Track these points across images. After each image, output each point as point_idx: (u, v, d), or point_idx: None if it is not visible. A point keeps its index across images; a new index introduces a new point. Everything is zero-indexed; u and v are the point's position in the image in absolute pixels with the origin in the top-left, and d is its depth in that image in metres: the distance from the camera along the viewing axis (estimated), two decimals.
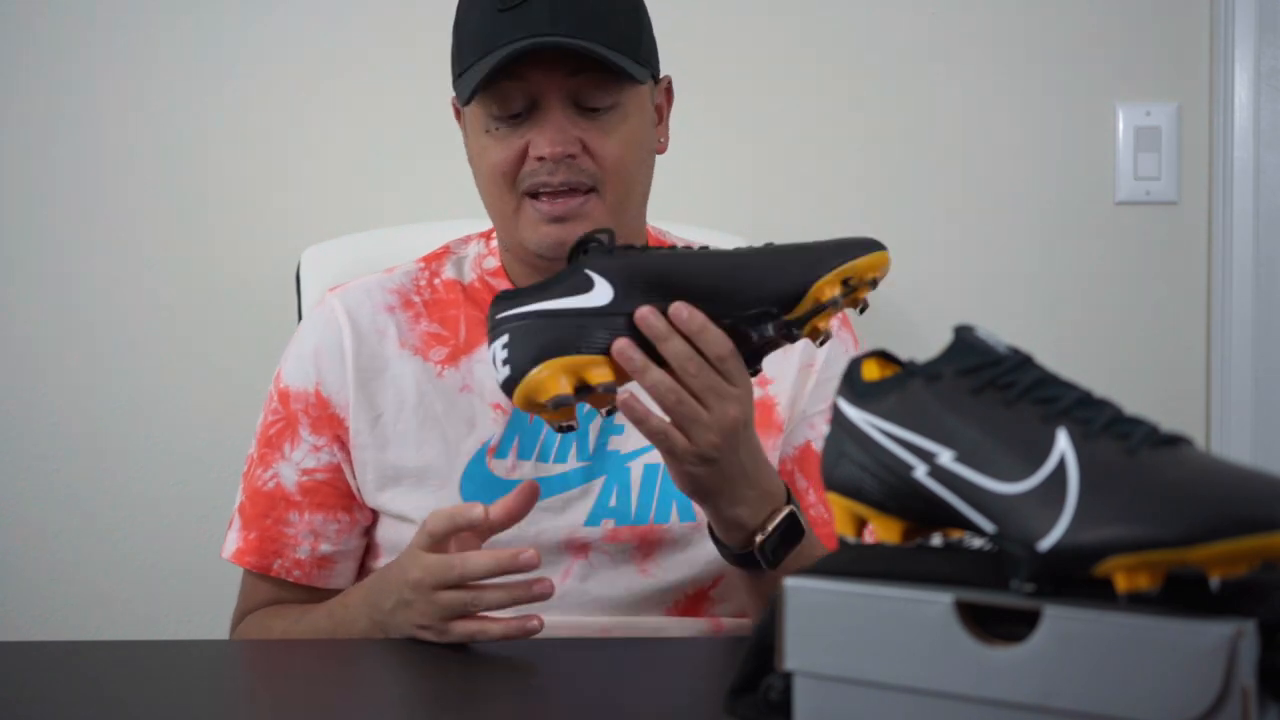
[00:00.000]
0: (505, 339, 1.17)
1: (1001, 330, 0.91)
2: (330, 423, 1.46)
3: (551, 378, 1.16)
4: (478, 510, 1.20)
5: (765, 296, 1.17)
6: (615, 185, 1.40)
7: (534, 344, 1.17)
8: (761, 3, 2.15)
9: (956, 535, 0.86)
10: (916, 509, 0.84)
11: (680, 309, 1.17)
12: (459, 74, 1.40)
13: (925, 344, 0.96)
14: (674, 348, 1.17)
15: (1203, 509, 0.73)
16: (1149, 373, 2.16)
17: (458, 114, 1.47)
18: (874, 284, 1.20)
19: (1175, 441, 0.78)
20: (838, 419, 0.88)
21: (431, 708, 1.07)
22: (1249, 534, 0.72)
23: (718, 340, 1.18)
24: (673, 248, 1.22)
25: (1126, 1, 2.14)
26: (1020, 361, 0.83)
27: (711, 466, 1.20)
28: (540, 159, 1.36)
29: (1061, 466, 0.78)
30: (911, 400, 0.84)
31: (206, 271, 2.16)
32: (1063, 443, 0.78)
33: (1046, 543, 0.77)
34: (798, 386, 1.48)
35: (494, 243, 1.51)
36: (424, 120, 2.12)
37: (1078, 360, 2.05)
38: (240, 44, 2.15)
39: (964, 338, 0.85)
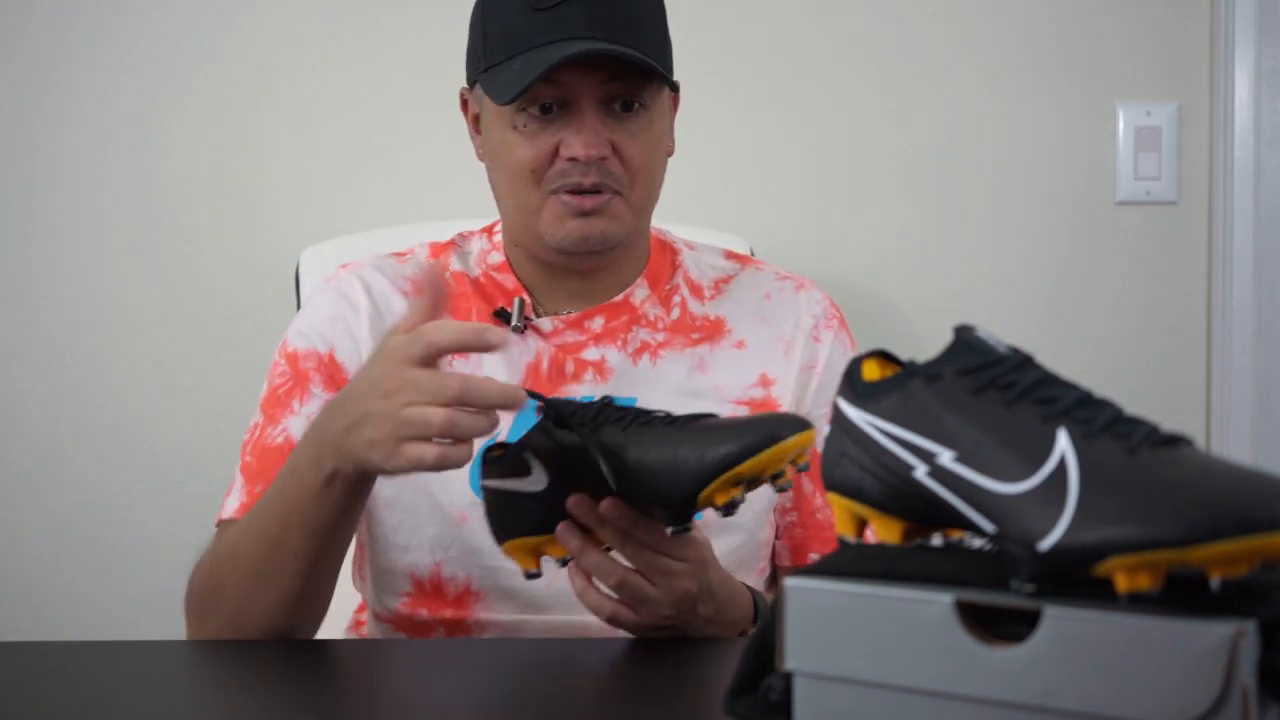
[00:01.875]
0: None
1: (1001, 330, 0.91)
2: (343, 385, 1.39)
3: (519, 557, 1.24)
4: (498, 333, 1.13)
5: (664, 501, 1.14)
6: (640, 188, 1.40)
7: (493, 523, 1.25)
8: (762, 3, 2.15)
9: (956, 535, 0.86)
10: (917, 509, 0.84)
11: (610, 508, 1.17)
12: (484, 69, 1.38)
13: (925, 344, 0.96)
14: (608, 536, 1.18)
15: (1203, 509, 0.73)
16: (1149, 373, 2.16)
17: (464, 105, 1.46)
18: (793, 464, 1.15)
19: (1175, 441, 0.78)
20: (838, 419, 0.88)
21: (431, 708, 1.06)
22: (1249, 534, 0.72)
23: (649, 530, 1.18)
24: (620, 418, 1.17)
25: (1126, 1, 2.14)
26: (1020, 361, 0.83)
27: (669, 630, 1.21)
28: (573, 160, 1.36)
29: (1062, 466, 0.78)
30: (912, 400, 0.84)
31: (205, 272, 2.16)
32: (1063, 443, 0.78)
33: (1047, 543, 0.77)
34: (801, 387, 1.47)
35: (496, 237, 1.50)
36: (424, 120, 2.12)
37: (1077, 360, 2.06)
38: (240, 43, 2.15)
39: (964, 338, 0.85)
